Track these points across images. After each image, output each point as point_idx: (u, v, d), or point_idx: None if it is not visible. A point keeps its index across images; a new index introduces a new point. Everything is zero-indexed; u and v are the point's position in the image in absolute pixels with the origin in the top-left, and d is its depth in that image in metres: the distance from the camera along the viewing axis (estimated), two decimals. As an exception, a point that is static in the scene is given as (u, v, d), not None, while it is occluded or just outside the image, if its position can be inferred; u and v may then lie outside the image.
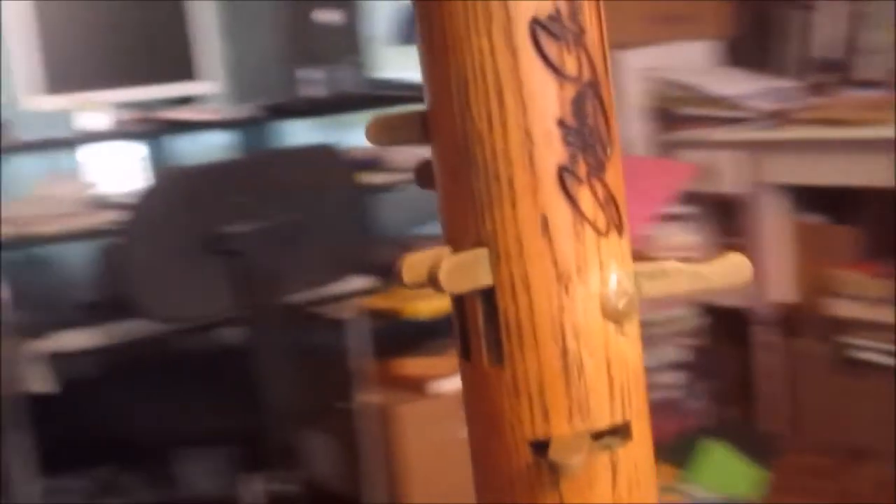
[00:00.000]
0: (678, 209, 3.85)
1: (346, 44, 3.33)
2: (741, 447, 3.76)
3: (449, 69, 0.58)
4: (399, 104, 3.48)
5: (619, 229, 0.59)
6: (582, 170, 0.57)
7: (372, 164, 3.30)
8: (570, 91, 0.57)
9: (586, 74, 0.57)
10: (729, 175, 3.80)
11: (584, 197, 0.58)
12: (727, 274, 0.62)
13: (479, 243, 0.58)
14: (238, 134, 3.38)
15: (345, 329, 3.27)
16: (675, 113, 3.88)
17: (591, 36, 0.58)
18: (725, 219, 3.97)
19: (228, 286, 2.75)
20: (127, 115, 3.16)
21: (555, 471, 0.57)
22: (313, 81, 3.26)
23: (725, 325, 4.03)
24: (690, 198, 3.95)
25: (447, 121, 0.58)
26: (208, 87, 3.33)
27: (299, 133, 3.47)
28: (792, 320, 3.84)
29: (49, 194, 3.06)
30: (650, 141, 3.96)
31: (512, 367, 0.59)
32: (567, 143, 0.57)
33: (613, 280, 0.59)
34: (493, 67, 0.56)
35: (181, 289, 2.79)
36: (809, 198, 3.82)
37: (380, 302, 3.34)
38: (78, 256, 3.19)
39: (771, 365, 3.93)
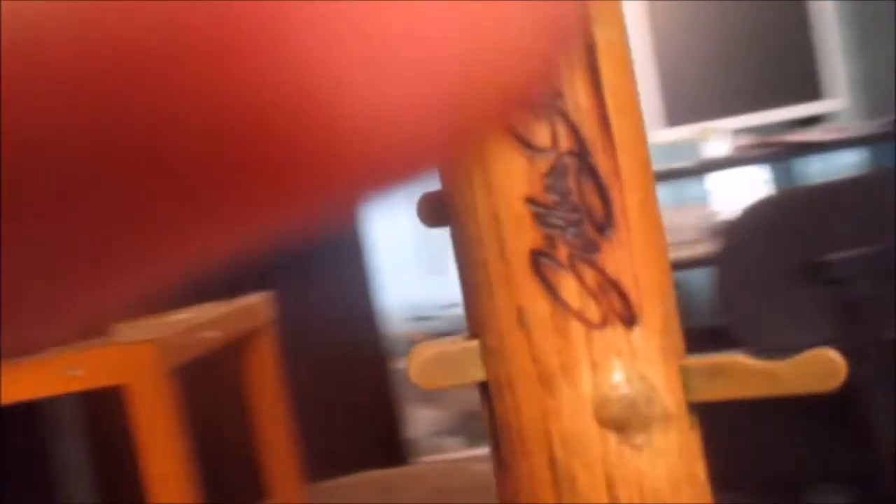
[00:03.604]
0: None
1: None
2: None
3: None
4: None
5: (627, 320, 0.50)
6: (562, 254, 0.50)
7: None
8: (543, 165, 0.50)
9: (565, 144, 0.49)
10: None
11: (567, 285, 0.50)
12: (810, 377, 0.49)
13: (475, 335, 0.53)
14: (868, 152, 3.17)
15: None
16: None
17: (576, 100, 0.50)
18: None
19: (830, 317, 2.62)
20: (747, 140, 3.14)
21: None
22: (950, 89, 2.94)
23: None
24: None
25: (451, 203, 0.54)
26: (834, 106, 3.18)
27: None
28: None
29: (672, 223, 3.16)
30: None
31: (508, 472, 0.53)
32: (541, 223, 0.50)
33: (612, 382, 0.50)
34: (461, 145, 0.51)
35: (777, 318, 2.71)
36: None
37: None
38: (701, 283, 3.24)
39: None
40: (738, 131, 3.23)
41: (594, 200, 0.49)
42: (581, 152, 0.49)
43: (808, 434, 3.02)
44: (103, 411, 1.44)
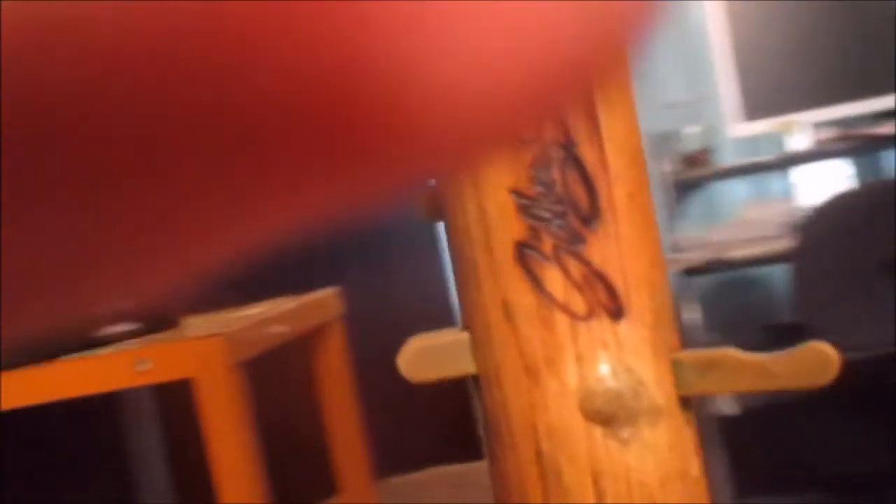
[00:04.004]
0: None
1: None
2: None
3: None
4: None
5: (614, 312, 0.49)
6: (547, 245, 0.49)
7: None
8: (528, 155, 0.49)
9: (550, 135, 0.49)
10: None
11: (552, 277, 0.49)
12: (803, 371, 0.48)
13: (466, 328, 0.53)
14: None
15: None
16: None
17: None
18: None
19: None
20: (830, 133, 3.07)
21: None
22: None
23: None
24: None
25: (444, 196, 0.54)
26: (921, 97, 3.09)
27: None
28: None
29: (753, 218, 3.10)
30: None
31: (497, 466, 0.52)
32: (526, 214, 0.49)
33: (597, 374, 0.49)
34: (449, 137, 0.51)
35: (856, 315, 2.65)
36: None
37: None
38: (780, 279, 3.18)
39: None
40: (821, 124, 3.16)
41: (579, 192, 0.49)
42: (566, 143, 0.49)
43: (890, 434, 2.94)
44: (181, 403, 1.46)
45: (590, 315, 0.49)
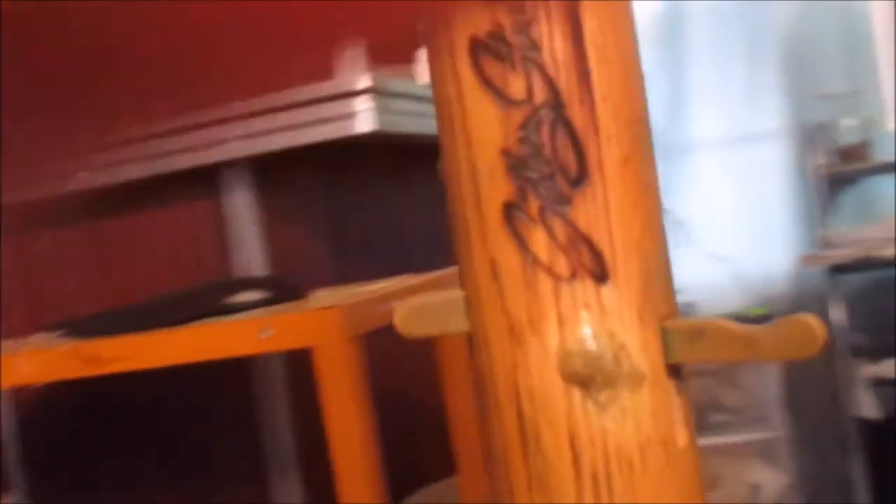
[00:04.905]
0: None
1: None
2: None
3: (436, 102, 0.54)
4: None
5: (598, 276, 0.49)
6: (533, 207, 0.49)
7: None
8: (518, 116, 0.49)
9: (540, 96, 0.49)
10: None
11: (537, 238, 0.49)
12: (787, 345, 0.47)
13: (461, 288, 0.54)
14: None
15: None
16: None
17: (553, 51, 0.49)
18: None
19: None
20: None
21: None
22: None
23: None
24: None
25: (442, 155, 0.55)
26: None
27: None
28: None
29: (908, 218, 2.97)
30: None
31: (485, 428, 0.53)
32: (514, 175, 0.49)
33: (578, 336, 0.49)
34: (446, 95, 0.52)
35: None
36: None
37: None
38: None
39: None
40: None
41: (568, 154, 0.49)
42: (556, 105, 0.49)
43: None
44: (309, 373, 1.50)
45: (573, 277, 0.49)
